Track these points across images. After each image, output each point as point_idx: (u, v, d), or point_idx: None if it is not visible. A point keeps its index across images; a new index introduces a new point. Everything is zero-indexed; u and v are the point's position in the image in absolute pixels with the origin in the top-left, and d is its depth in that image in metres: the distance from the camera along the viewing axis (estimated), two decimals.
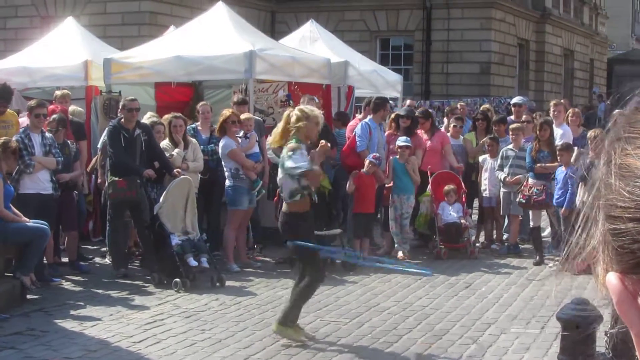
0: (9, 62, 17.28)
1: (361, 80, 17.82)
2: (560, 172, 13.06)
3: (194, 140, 13.28)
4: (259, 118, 14.66)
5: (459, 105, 20.18)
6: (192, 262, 11.80)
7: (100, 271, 12.80)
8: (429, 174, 14.13)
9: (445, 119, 17.72)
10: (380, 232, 14.78)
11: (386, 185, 13.89)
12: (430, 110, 19.57)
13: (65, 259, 12.91)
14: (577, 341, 5.74)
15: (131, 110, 12.38)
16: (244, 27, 16.34)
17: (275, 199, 12.64)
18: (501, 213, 14.44)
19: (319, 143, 9.98)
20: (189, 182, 12.17)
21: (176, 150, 12.84)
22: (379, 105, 14.32)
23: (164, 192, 11.93)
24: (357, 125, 14.47)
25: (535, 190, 13.35)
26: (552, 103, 16.54)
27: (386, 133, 14.51)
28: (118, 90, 15.31)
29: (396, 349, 8.78)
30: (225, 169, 13.01)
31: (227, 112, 13.15)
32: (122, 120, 12.43)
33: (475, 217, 15.47)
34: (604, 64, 48.95)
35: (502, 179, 14.01)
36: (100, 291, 11.47)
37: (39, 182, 11.78)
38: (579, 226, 1.10)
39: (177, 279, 11.39)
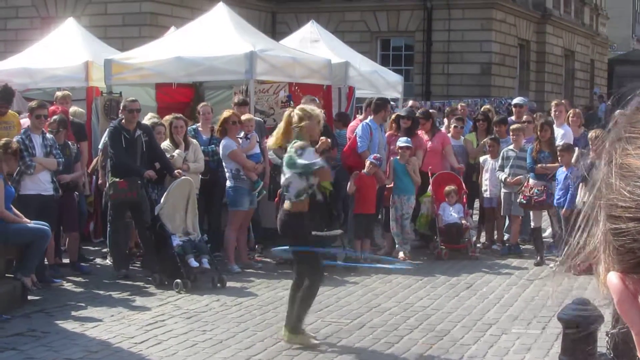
0: (9, 63, 17.29)
1: (362, 81, 17.82)
2: (561, 173, 13.05)
3: (194, 141, 13.29)
4: (260, 119, 14.67)
5: (459, 106, 20.18)
6: (193, 263, 11.80)
7: (101, 272, 12.80)
8: (429, 174, 14.13)
9: (445, 120, 17.71)
10: (381, 233, 14.78)
11: (387, 186, 13.89)
12: (433, 110, 19.60)
13: (66, 260, 12.92)
14: (578, 341, 5.74)
15: (132, 111, 12.39)
16: (244, 27, 16.34)
17: (276, 199, 12.63)
18: (502, 214, 14.43)
19: (319, 142, 10.01)
20: (189, 183, 12.17)
21: (177, 151, 12.84)
22: (380, 106, 14.32)
23: (165, 193, 11.93)
24: (357, 126, 14.47)
25: (536, 190, 13.35)
26: (553, 103, 16.55)
27: (387, 134, 14.51)
28: (119, 91, 15.32)
29: (397, 350, 8.79)
30: (226, 170, 13.02)
31: (227, 112, 13.16)
32: (123, 121, 12.43)
33: (476, 217, 15.48)
34: (604, 64, 48.96)
35: (503, 180, 14.01)
36: (101, 292, 11.48)
37: (40, 183, 11.78)
38: (580, 226, 1.10)
39: (178, 280, 11.40)
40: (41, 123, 11.99)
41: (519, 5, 35.37)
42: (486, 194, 14.61)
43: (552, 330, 9.17)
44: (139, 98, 13.50)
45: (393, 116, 15.08)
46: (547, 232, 14.83)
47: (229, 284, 11.77)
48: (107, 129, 12.99)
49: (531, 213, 13.79)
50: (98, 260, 13.63)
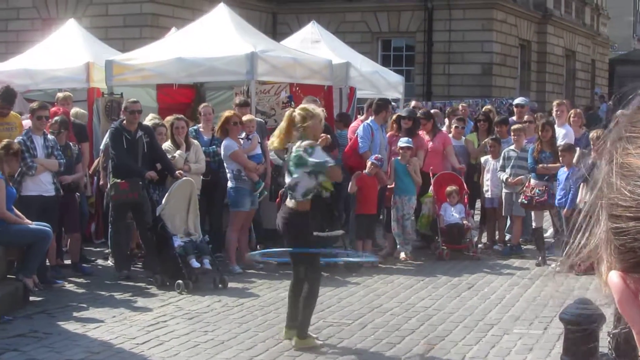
0: (10, 64, 17.29)
1: (363, 81, 17.83)
2: (562, 173, 13.05)
3: (195, 141, 13.29)
4: (261, 119, 14.67)
5: (460, 107, 20.18)
6: (195, 264, 11.81)
7: (103, 273, 12.81)
8: (431, 175, 14.14)
9: (446, 120, 17.72)
10: (383, 233, 14.78)
11: (388, 187, 13.89)
12: (436, 110, 19.62)
13: (67, 261, 12.92)
14: (580, 342, 5.74)
15: (133, 112, 12.39)
16: (245, 28, 16.35)
17: (277, 200, 12.64)
18: (503, 214, 14.43)
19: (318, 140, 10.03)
20: (191, 184, 12.17)
21: (178, 151, 12.84)
22: (381, 106, 14.33)
23: (166, 194, 11.94)
24: (358, 126, 14.47)
25: (537, 191, 13.35)
26: (555, 103, 16.57)
27: (388, 134, 14.52)
28: (120, 92, 15.33)
29: (399, 350, 8.79)
30: (227, 171, 13.02)
31: (228, 113, 13.17)
32: (124, 122, 12.44)
33: (477, 218, 15.47)
34: (605, 64, 48.94)
35: (504, 180, 14.01)
36: (102, 293, 11.48)
37: (41, 184, 11.79)
38: (581, 225, 1.11)
39: (180, 281, 11.40)
40: (42, 124, 12.00)
41: (520, 5, 35.37)
42: (487, 194, 14.61)
43: (554, 330, 9.17)
44: (140, 99, 13.51)
45: (394, 116, 15.08)
46: (549, 233, 14.83)
47: (230, 284, 11.77)
48: (109, 130, 13.00)
49: (532, 213, 13.79)
50: (99, 261, 13.64)
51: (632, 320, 1.05)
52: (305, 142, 8.76)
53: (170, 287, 11.49)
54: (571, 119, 15.53)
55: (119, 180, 12.16)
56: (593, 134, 12.83)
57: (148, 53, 15.80)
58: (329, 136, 10.51)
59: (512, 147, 14.15)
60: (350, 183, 13.31)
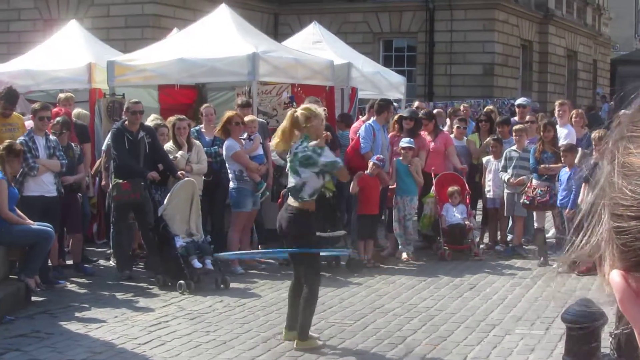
0: (12, 65, 17.31)
1: (364, 82, 17.83)
2: (564, 173, 13.05)
3: (197, 142, 13.30)
4: (263, 120, 14.67)
5: (461, 107, 20.18)
6: (197, 264, 11.81)
7: (105, 273, 12.82)
8: (432, 175, 14.14)
9: (448, 120, 17.72)
10: (385, 234, 14.78)
11: (390, 187, 13.89)
12: (440, 110, 19.61)
13: (69, 262, 12.93)
14: (582, 342, 5.74)
15: (135, 113, 12.40)
16: (247, 29, 16.35)
17: (279, 200, 12.64)
18: (505, 214, 14.42)
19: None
20: (193, 184, 12.17)
21: (180, 152, 12.85)
22: (383, 107, 14.32)
23: (168, 194, 11.94)
24: (360, 127, 14.47)
25: (539, 191, 13.35)
26: (557, 103, 16.57)
27: (389, 135, 14.51)
28: (122, 93, 15.33)
29: (401, 351, 8.79)
30: (229, 171, 13.03)
31: (229, 113, 13.17)
32: (126, 122, 12.45)
33: (479, 218, 15.47)
34: (607, 64, 48.94)
35: (506, 180, 14.01)
36: (104, 293, 11.49)
37: (43, 185, 11.80)
38: (584, 225, 1.11)
39: (182, 281, 11.40)
40: (44, 125, 12.01)
41: (522, 5, 35.38)
42: (489, 195, 14.60)
43: (555, 330, 9.17)
44: (142, 99, 13.52)
45: (396, 117, 15.08)
46: (551, 233, 14.83)
47: (232, 285, 11.77)
48: (110, 131, 13.01)
49: (534, 214, 13.79)
50: (101, 262, 13.65)
51: (634, 319, 1.06)
52: (313, 143, 8.77)
53: (172, 288, 11.49)
54: (573, 119, 15.52)
55: (120, 181, 12.17)
56: (595, 134, 12.82)
57: (150, 54, 15.81)
58: (329, 133, 10.50)
59: (514, 147, 14.15)
60: (352, 183, 13.30)
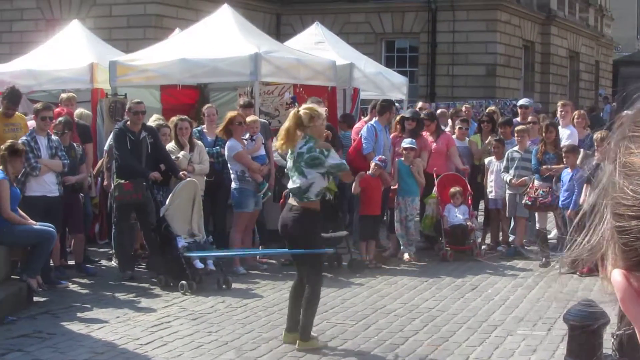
0: (14, 65, 17.31)
1: (366, 82, 17.83)
2: (566, 174, 13.05)
3: (199, 142, 13.30)
4: (265, 120, 14.67)
5: (463, 108, 20.18)
6: (199, 265, 11.81)
7: (107, 274, 12.82)
8: (434, 176, 14.13)
9: (449, 121, 17.72)
10: (386, 234, 14.78)
11: (392, 188, 13.89)
12: (444, 110, 19.61)
13: (71, 262, 12.94)
14: (584, 343, 5.74)
15: (137, 113, 12.41)
16: (249, 29, 16.36)
17: (281, 201, 12.64)
18: (507, 215, 14.42)
19: None
20: (195, 185, 12.18)
21: (182, 152, 12.85)
22: (385, 107, 14.33)
23: (170, 195, 11.95)
24: (362, 127, 14.47)
25: (541, 192, 13.35)
26: (559, 103, 16.55)
27: (391, 135, 14.51)
28: (124, 93, 15.33)
29: (402, 351, 8.79)
30: (231, 172, 13.03)
31: (231, 113, 13.18)
32: (128, 122, 12.46)
33: (481, 219, 15.47)
34: (609, 65, 48.92)
35: (508, 181, 14.01)
36: (106, 293, 11.49)
37: (45, 185, 11.81)
38: (586, 224, 1.11)
39: (184, 281, 11.40)
40: (46, 125, 12.02)
41: (524, 6, 35.36)
42: (491, 195, 14.60)
43: (557, 331, 9.16)
44: (144, 100, 13.53)
45: (398, 117, 15.08)
46: (553, 234, 14.82)
47: (234, 285, 11.78)
48: (112, 131, 13.02)
49: (536, 214, 13.78)
50: (103, 262, 13.65)
51: (635, 318, 1.06)
52: (321, 143, 8.79)
53: (174, 288, 11.50)
54: (575, 120, 15.51)
55: (122, 181, 12.18)
56: (597, 135, 12.82)
57: (152, 54, 15.81)
58: (329, 132, 10.52)
59: (516, 148, 14.15)
60: (354, 184, 13.30)
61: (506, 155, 14.13)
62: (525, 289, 11.76)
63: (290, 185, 8.93)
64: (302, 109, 8.91)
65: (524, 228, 14.28)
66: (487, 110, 18.63)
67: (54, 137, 12.09)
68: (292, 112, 9.08)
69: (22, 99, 13.75)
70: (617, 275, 1.06)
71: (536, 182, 13.47)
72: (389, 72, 20.52)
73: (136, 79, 15.46)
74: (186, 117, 13.54)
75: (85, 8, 29.24)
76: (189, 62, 14.90)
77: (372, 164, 13.32)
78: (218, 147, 13.55)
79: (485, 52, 32.97)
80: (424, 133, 14.55)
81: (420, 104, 19.15)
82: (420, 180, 13.85)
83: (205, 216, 12.60)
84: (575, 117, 15.61)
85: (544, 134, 13.80)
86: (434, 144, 14.62)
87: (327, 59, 16.45)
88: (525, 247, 14.42)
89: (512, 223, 14.63)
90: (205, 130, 13.92)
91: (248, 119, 13.24)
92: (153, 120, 13.50)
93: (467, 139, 15.73)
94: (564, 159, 13.18)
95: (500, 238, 14.92)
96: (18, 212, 10.99)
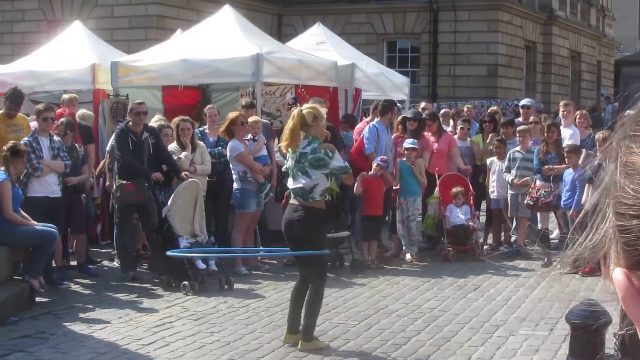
0: (16, 66, 17.32)
1: (368, 82, 17.83)
2: (568, 174, 13.05)
3: (201, 143, 13.31)
4: (267, 121, 14.67)
5: (465, 108, 20.17)
6: (201, 265, 11.81)
7: (109, 274, 12.83)
8: (436, 176, 14.13)
9: (451, 121, 17.72)
10: (388, 235, 14.78)
11: (394, 188, 13.90)
12: (447, 110, 19.59)
13: (73, 262, 12.94)
14: (586, 343, 5.74)
15: (139, 114, 12.42)
16: (250, 30, 16.36)
17: (283, 201, 12.64)
18: (509, 215, 14.42)
19: None
20: (197, 185, 12.19)
21: (184, 153, 12.86)
22: (387, 107, 14.33)
23: (172, 195, 11.95)
24: (364, 128, 14.48)
25: (543, 192, 13.35)
26: (562, 103, 16.54)
27: (393, 136, 14.51)
28: (125, 94, 15.35)
29: (404, 351, 8.79)
30: (233, 172, 13.03)
31: (233, 113, 13.18)
32: (130, 123, 12.47)
33: (483, 219, 15.46)
34: (611, 65, 48.91)
35: (510, 181, 14.01)
36: (108, 294, 11.50)
37: (47, 186, 11.81)
38: (587, 223, 1.11)
39: (186, 282, 11.41)
40: (48, 125, 12.03)
41: (525, 6, 35.36)
42: (493, 196, 14.59)
43: (559, 331, 9.16)
44: (146, 100, 13.53)
45: (399, 118, 15.08)
46: (555, 234, 14.82)
47: (236, 285, 11.78)
48: (114, 132, 13.03)
49: (538, 215, 13.78)
50: (105, 263, 13.66)
51: (636, 317, 1.06)
52: (325, 145, 8.81)
53: (176, 288, 11.50)
54: (577, 120, 15.50)
55: (124, 182, 12.19)
56: (599, 135, 12.81)
57: (153, 55, 15.82)
58: (328, 132, 10.51)
59: (518, 148, 14.14)
60: (356, 184, 13.30)
61: (508, 156, 14.13)
62: (528, 289, 11.76)
63: (290, 185, 8.90)
64: (305, 109, 8.88)
65: (525, 228, 14.27)
66: (488, 111, 18.62)
67: (55, 137, 12.10)
68: (294, 112, 9.03)
69: (24, 99, 13.76)
70: (618, 274, 1.06)
71: (538, 182, 13.47)
72: (390, 72, 20.52)
73: (138, 79, 15.47)
74: (188, 117, 13.55)
75: (87, 9, 29.26)
76: (190, 63, 14.90)
77: (374, 165, 13.32)
78: (220, 148, 13.56)
79: (487, 53, 32.98)
80: (425, 133, 14.56)
81: (423, 104, 19.15)
82: (422, 181, 13.85)
83: (207, 217, 12.60)
84: (577, 117, 15.60)
85: (545, 134, 13.80)
86: (436, 144, 14.62)
87: (329, 60, 16.45)
88: (527, 248, 14.37)
89: (514, 223, 14.62)
90: (207, 130, 13.93)
91: (250, 119, 13.25)
92: (155, 121, 13.50)
93: (468, 139, 15.72)
94: (566, 159, 13.18)
95: (502, 238, 14.92)
96: (20, 212, 11.00)
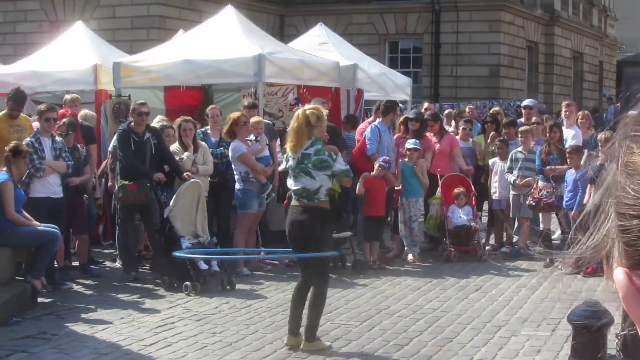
0: (18, 66, 17.34)
1: (370, 83, 17.83)
2: (570, 175, 13.04)
3: (203, 143, 13.31)
4: (269, 121, 14.68)
5: (467, 109, 20.17)
6: (203, 266, 11.81)
7: (111, 275, 12.83)
8: (438, 176, 14.13)
9: (453, 122, 17.72)
10: (390, 235, 14.78)
11: (396, 188, 13.90)
12: (450, 110, 19.60)
13: (75, 263, 12.95)
14: (588, 343, 5.74)
15: (141, 114, 12.42)
16: (252, 30, 16.37)
17: (284, 202, 12.64)
18: (511, 216, 14.42)
19: None
20: (199, 186, 12.19)
21: (186, 153, 12.86)
22: (389, 108, 14.33)
23: (174, 196, 11.95)
24: (366, 128, 14.48)
25: (545, 192, 13.34)
26: (564, 104, 16.52)
27: (395, 136, 14.52)
28: (127, 94, 15.36)
29: (406, 352, 8.78)
30: (235, 173, 13.03)
31: (235, 113, 13.18)
32: (132, 124, 12.47)
33: (485, 219, 15.46)
34: (613, 66, 48.89)
35: (512, 182, 14.00)
36: (110, 294, 11.50)
37: (49, 186, 11.82)
38: (589, 223, 1.12)
39: (188, 282, 11.41)
40: (50, 126, 12.03)
41: (527, 7, 35.35)
42: (495, 196, 14.58)
43: (561, 332, 9.16)
44: (148, 101, 13.53)
45: (401, 118, 15.08)
46: (557, 234, 14.81)
47: (238, 286, 11.78)
48: (116, 132, 13.04)
49: (540, 215, 13.77)
50: (107, 263, 13.66)
51: (637, 316, 1.06)
52: (329, 147, 8.85)
53: (178, 289, 11.50)
54: (579, 121, 15.49)
55: (126, 182, 12.19)
56: (601, 136, 12.82)
57: (155, 55, 15.83)
58: (326, 134, 10.53)
59: (520, 148, 14.14)
60: (358, 185, 13.30)
61: (510, 156, 14.12)
62: (529, 289, 11.75)
63: (292, 186, 8.87)
64: (308, 109, 8.86)
65: (527, 229, 14.27)
66: (490, 111, 18.63)
67: (58, 138, 12.10)
68: (297, 112, 8.99)
69: (26, 100, 13.77)
70: (619, 274, 1.07)
71: (540, 183, 13.47)
72: (392, 72, 20.53)
73: (140, 80, 15.48)
74: (190, 118, 13.54)
75: (89, 9, 29.28)
76: (192, 63, 14.91)
77: (376, 165, 13.32)
78: (222, 148, 13.56)
79: (489, 53, 32.97)
80: (427, 134, 14.55)
81: (426, 105, 19.15)
82: (424, 181, 13.85)
83: (209, 217, 12.60)
84: (580, 117, 15.59)
85: (548, 135, 13.79)
86: (438, 145, 14.61)
87: (331, 60, 16.45)
88: (529, 248, 14.40)
89: (516, 224, 14.62)
90: (209, 131, 13.93)
91: (252, 119, 13.25)
92: (157, 122, 13.50)
93: (470, 139, 15.71)
94: (568, 160, 13.17)
95: (504, 239, 14.91)
96: (22, 213, 11.00)
